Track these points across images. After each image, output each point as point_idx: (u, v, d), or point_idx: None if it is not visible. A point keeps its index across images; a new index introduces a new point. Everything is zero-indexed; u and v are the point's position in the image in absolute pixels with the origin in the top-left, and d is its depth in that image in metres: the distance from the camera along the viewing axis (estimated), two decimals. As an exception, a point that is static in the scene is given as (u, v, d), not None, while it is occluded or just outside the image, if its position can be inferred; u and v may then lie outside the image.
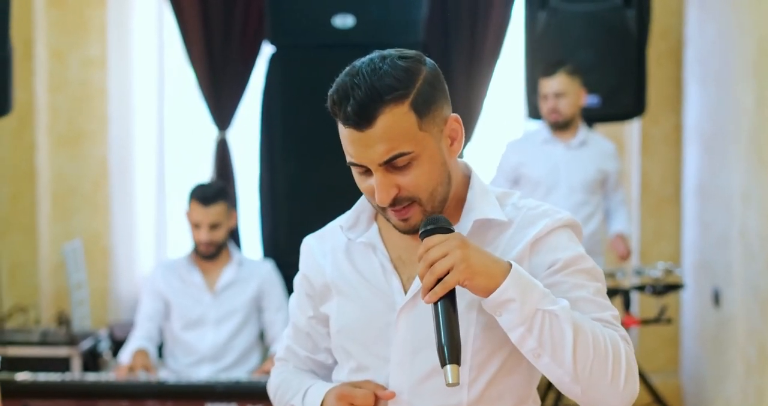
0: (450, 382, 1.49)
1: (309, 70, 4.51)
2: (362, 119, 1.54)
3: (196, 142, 5.70)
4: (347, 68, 1.60)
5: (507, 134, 5.47)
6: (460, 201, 1.69)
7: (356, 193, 1.73)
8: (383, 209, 1.63)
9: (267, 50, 5.03)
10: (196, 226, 3.77)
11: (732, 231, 4.15)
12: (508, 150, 4.57)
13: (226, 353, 3.79)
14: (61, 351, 4.57)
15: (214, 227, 3.76)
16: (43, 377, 3.37)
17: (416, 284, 1.64)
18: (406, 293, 1.67)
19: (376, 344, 1.69)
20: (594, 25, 4.62)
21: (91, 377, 3.45)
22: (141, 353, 3.60)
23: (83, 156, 5.47)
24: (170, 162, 5.74)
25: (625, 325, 4.13)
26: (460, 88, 5.27)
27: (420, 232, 1.58)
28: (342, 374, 1.76)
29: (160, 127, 5.70)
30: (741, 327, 4.04)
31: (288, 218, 4.81)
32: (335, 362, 1.82)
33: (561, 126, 4.40)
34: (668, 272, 4.10)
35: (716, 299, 4.43)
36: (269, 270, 3.92)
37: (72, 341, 4.61)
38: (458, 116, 1.65)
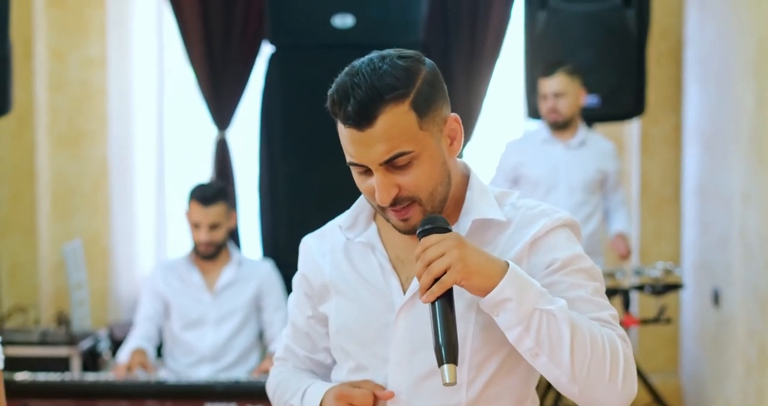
0: (447, 381, 1.49)
1: (309, 70, 4.51)
2: (362, 119, 1.54)
3: (196, 142, 5.70)
4: (347, 68, 1.60)
5: (506, 134, 5.47)
6: (459, 201, 1.69)
7: (356, 193, 1.73)
8: (383, 209, 1.63)
9: (267, 50, 5.03)
10: (195, 226, 3.78)
11: (732, 231, 4.15)
12: (508, 150, 4.57)
13: (225, 353, 3.79)
14: (60, 351, 4.57)
15: (213, 227, 3.76)
16: (42, 377, 3.37)
17: (415, 284, 1.64)
18: (404, 292, 1.67)
19: (374, 344, 1.69)
20: (594, 25, 4.62)
21: (91, 377, 3.44)
22: (139, 352, 3.61)
23: (83, 156, 5.47)
24: (170, 162, 5.75)
25: (625, 325, 4.13)
26: (459, 87, 5.27)
27: (417, 231, 1.58)
28: (341, 374, 1.76)
29: (159, 127, 5.70)
30: (741, 327, 4.04)
31: (287, 217, 4.81)
32: (334, 362, 1.82)
33: (560, 126, 4.40)
34: (668, 271, 4.09)
35: (716, 299, 4.43)
36: (269, 270, 3.92)
37: (72, 341, 4.61)
38: (458, 116, 1.66)
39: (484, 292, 1.52)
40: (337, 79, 1.59)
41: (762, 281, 3.74)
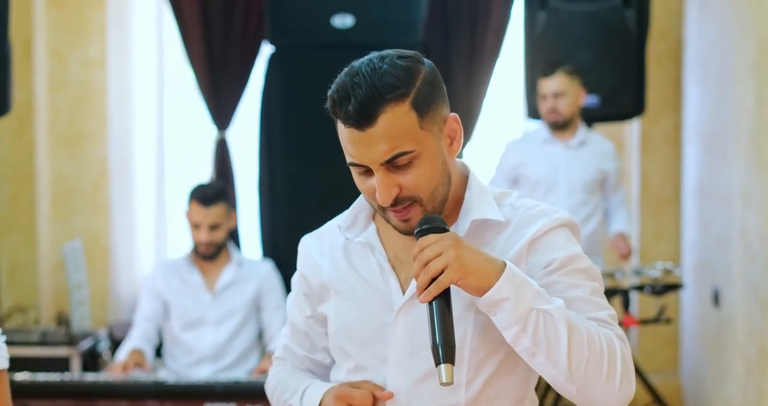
0: (444, 381, 1.49)
1: (308, 70, 4.51)
2: (363, 118, 1.54)
3: (196, 142, 5.70)
4: (346, 69, 1.60)
5: (506, 134, 5.47)
6: (458, 201, 1.69)
7: (355, 193, 1.73)
8: (383, 210, 1.63)
9: (266, 50, 5.03)
10: (195, 226, 3.77)
11: (732, 231, 4.15)
12: (508, 150, 4.57)
13: (225, 353, 3.79)
14: (60, 351, 4.57)
15: (214, 227, 3.76)
16: (42, 377, 3.37)
17: (414, 285, 1.63)
18: (404, 293, 1.67)
19: (374, 345, 1.69)
20: (593, 25, 4.62)
21: (91, 377, 3.44)
22: (136, 352, 3.61)
23: (83, 156, 5.47)
24: (170, 162, 5.75)
25: (625, 325, 4.13)
26: (459, 87, 5.27)
27: (415, 231, 1.58)
28: (340, 374, 1.76)
29: (159, 127, 5.70)
30: (741, 327, 4.04)
31: (287, 217, 4.81)
32: (333, 362, 1.82)
33: (560, 126, 4.40)
34: (667, 271, 4.09)
35: (716, 299, 4.43)
36: (268, 270, 3.92)
37: (71, 341, 4.61)
38: (457, 116, 1.66)
39: (481, 291, 1.53)
40: (337, 80, 1.59)
41: (762, 281, 3.74)
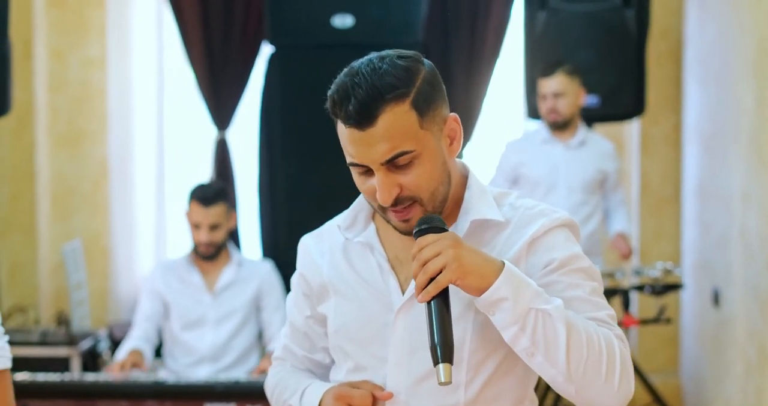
0: (442, 380, 1.49)
1: (308, 70, 4.51)
2: (364, 118, 1.54)
3: (196, 142, 5.70)
4: (346, 69, 1.60)
5: (506, 134, 5.47)
6: (458, 201, 1.69)
7: (355, 193, 1.73)
8: (384, 210, 1.63)
9: (266, 50, 5.03)
10: (196, 226, 3.77)
11: (732, 231, 4.15)
12: (508, 150, 4.57)
13: (225, 354, 3.79)
14: (60, 351, 4.56)
15: (214, 227, 3.76)
16: (42, 377, 3.37)
17: (413, 285, 1.63)
18: (403, 293, 1.67)
19: (373, 345, 1.69)
20: (593, 25, 4.62)
21: (90, 377, 3.44)
22: (135, 352, 3.61)
23: (83, 156, 5.47)
24: (170, 162, 5.75)
25: (624, 325, 4.13)
26: (459, 87, 5.27)
27: (414, 231, 1.58)
28: (340, 374, 1.76)
29: (159, 127, 5.70)
30: (741, 327, 4.04)
31: (287, 217, 4.81)
32: (332, 362, 1.82)
33: (560, 126, 4.40)
34: (667, 271, 4.09)
35: (716, 299, 4.42)
36: (268, 270, 3.91)
37: (71, 341, 4.61)
38: (457, 116, 1.66)
39: (479, 291, 1.53)
40: (337, 80, 1.59)
41: (762, 281, 3.74)
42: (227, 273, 3.84)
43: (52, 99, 5.42)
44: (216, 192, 3.80)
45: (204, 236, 3.75)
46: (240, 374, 3.74)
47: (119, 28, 5.48)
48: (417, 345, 1.64)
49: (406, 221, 1.62)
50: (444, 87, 1.65)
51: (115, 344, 4.79)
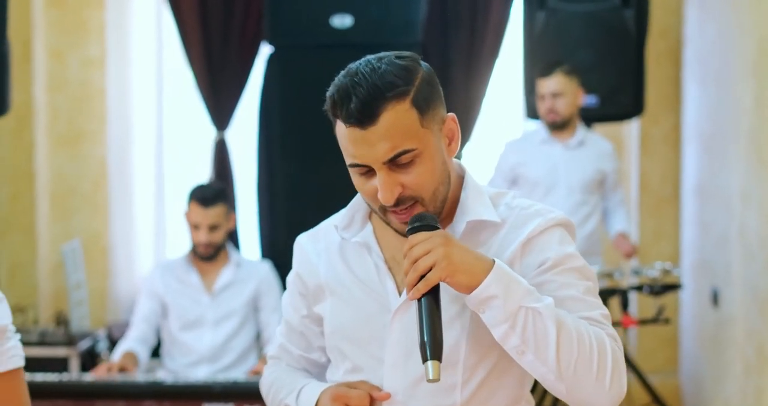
0: (430, 378, 1.49)
1: (307, 70, 4.51)
2: (365, 117, 1.54)
3: (195, 142, 5.70)
4: (343, 71, 1.60)
5: (505, 134, 5.47)
6: (455, 202, 1.69)
7: (354, 194, 1.73)
8: (384, 212, 1.63)
9: (265, 50, 5.03)
10: (195, 227, 3.77)
11: (731, 231, 4.15)
12: (507, 150, 4.57)
13: (224, 354, 3.79)
14: (59, 351, 4.57)
15: (213, 228, 3.76)
16: (40, 377, 3.37)
17: (410, 285, 1.64)
18: (400, 294, 1.67)
19: (370, 346, 1.69)
20: (592, 25, 4.62)
21: (89, 377, 3.44)
22: (128, 355, 3.60)
23: (82, 156, 5.47)
24: (169, 162, 5.74)
25: (623, 325, 4.13)
26: (458, 88, 5.27)
27: (407, 229, 1.58)
28: (337, 375, 1.76)
29: (159, 127, 5.70)
30: (740, 327, 4.04)
31: (286, 218, 4.81)
32: (328, 361, 1.82)
33: (559, 126, 4.40)
34: (666, 272, 4.09)
35: (715, 299, 4.42)
36: (267, 271, 3.91)
37: (70, 341, 4.61)
38: (455, 116, 1.66)
39: (469, 289, 1.53)
40: (335, 81, 1.59)
41: (761, 281, 3.74)
42: (225, 274, 3.83)
43: (51, 99, 5.42)
44: (215, 193, 3.80)
45: (203, 236, 3.74)
46: (238, 374, 3.73)
47: (118, 29, 5.48)
48: (414, 346, 1.63)
49: (407, 222, 1.62)
50: (441, 88, 1.65)
51: (114, 344, 4.79)
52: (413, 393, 1.66)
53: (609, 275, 4.05)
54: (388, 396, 1.67)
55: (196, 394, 3.27)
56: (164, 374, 3.73)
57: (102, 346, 4.80)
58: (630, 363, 4.27)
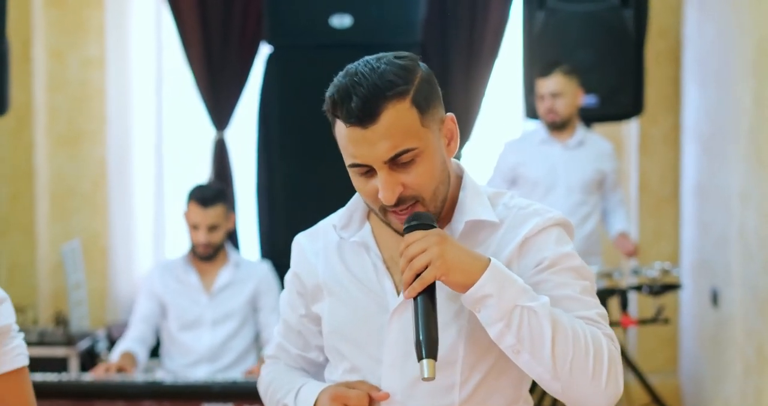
0: (425, 376, 1.49)
1: (307, 70, 4.50)
2: (366, 116, 1.54)
3: (195, 142, 5.70)
4: (342, 72, 1.60)
5: (505, 134, 5.46)
6: (453, 201, 1.69)
7: (354, 194, 1.73)
8: (385, 212, 1.63)
9: (265, 50, 5.03)
10: (194, 227, 3.76)
11: (731, 231, 4.15)
12: (506, 150, 4.57)
13: (223, 354, 3.78)
14: (58, 351, 4.57)
15: (212, 228, 3.75)
16: (39, 377, 3.36)
17: (409, 286, 1.63)
18: (398, 294, 1.67)
19: (369, 346, 1.69)
20: (592, 25, 4.62)
21: (88, 377, 3.44)
22: (126, 355, 3.60)
23: (82, 156, 5.47)
24: (169, 162, 5.74)
25: (623, 325, 4.13)
26: (458, 88, 5.27)
27: (404, 228, 1.59)
28: (335, 375, 1.75)
29: (158, 127, 5.70)
30: (739, 327, 4.04)
31: (286, 218, 4.81)
32: (326, 360, 1.82)
33: (558, 126, 4.40)
34: (665, 272, 4.09)
35: (715, 299, 4.42)
36: (266, 271, 3.91)
37: (69, 341, 4.61)
38: (453, 116, 1.66)
39: (464, 288, 1.53)
40: (335, 82, 1.59)
41: (760, 281, 3.74)
42: (224, 274, 3.83)
43: (51, 99, 5.42)
44: (215, 193, 3.79)
45: (202, 236, 3.74)
46: (238, 374, 3.73)
47: (118, 29, 5.48)
48: (412, 347, 1.63)
49: None
50: (439, 88, 1.65)
51: (113, 344, 4.79)
52: (412, 393, 1.65)
53: (608, 275, 4.05)
54: (386, 396, 1.67)
55: (196, 394, 3.26)
56: (163, 374, 3.72)
57: (101, 346, 4.80)
58: (630, 363, 4.27)
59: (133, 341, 3.71)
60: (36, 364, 4.27)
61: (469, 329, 1.63)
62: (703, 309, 4.69)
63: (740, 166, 4.00)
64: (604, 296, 4.02)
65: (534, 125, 4.76)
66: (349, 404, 1.67)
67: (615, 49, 4.63)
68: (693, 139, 4.91)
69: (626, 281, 4.11)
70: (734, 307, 4.11)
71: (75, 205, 5.47)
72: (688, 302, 5.02)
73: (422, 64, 1.64)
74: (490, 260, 1.54)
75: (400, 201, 1.59)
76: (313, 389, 1.74)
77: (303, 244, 1.82)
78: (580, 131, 4.47)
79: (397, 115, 1.55)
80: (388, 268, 1.70)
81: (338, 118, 1.58)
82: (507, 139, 4.76)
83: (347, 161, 1.60)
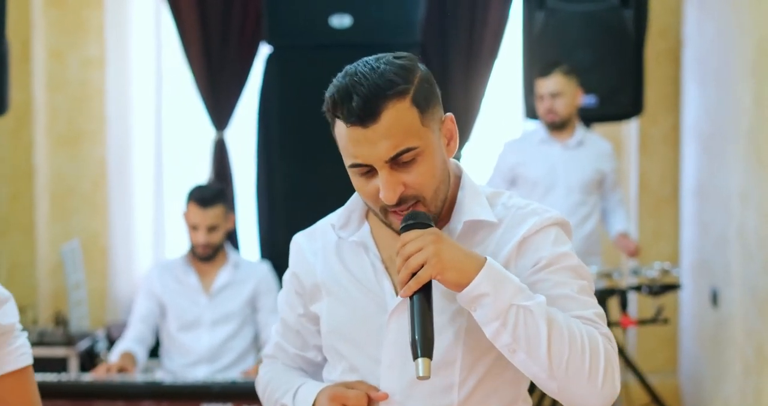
0: (420, 375, 1.49)
1: (306, 70, 4.51)
2: (367, 115, 1.54)
3: (194, 142, 5.70)
4: (341, 73, 1.60)
5: (505, 134, 5.46)
6: (452, 201, 1.69)
7: (353, 194, 1.72)
8: (385, 213, 1.63)
9: (264, 50, 5.03)
10: (193, 228, 3.76)
11: (730, 231, 4.15)
12: (506, 150, 4.57)
13: (222, 355, 3.78)
14: (58, 351, 4.56)
15: (211, 229, 3.75)
16: (39, 377, 3.35)
17: (407, 286, 1.63)
18: (397, 294, 1.67)
19: (367, 346, 1.69)
20: (592, 25, 4.62)
21: (88, 377, 3.43)
22: (126, 355, 3.60)
23: (82, 156, 5.47)
24: (168, 162, 5.74)
25: (622, 325, 4.13)
26: (457, 88, 5.27)
27: (400, 227, 1.59)
28: (334, 375, 1.75)
29: (158, 127, 5.69)
30: (739, 327, 4.04)
31: (285, 218, 4.80)
32: (324, 360, 1.82)
33: (558, 126, 4.40)
34: (665, 272, 4.09)
35: (714, 299, 4.42)
36: (266, 271, 3.90)
37: (69, 341, 4.60)
38: (453, 116, 1.66)
39: (459, 287, 1.53)
40: (334, 82, 1.59)
41: (760, 281, 3.74)
42: (223, 275, 3.83)
43: (50, 99, 5.42)
44: (214, 193, 3.79)
45: (201, 237, 3.74)
46: (237, 374, 3.73)
47: (118, 28, 5.48)
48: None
49: None
50: (438, 88, 1.65)
51: (112, 344, 4.79)
52: (410, 393, 1.65)
53: (608, 275, 4.05)
54: (385, 396, 1.66)
55: (195, 394, 3.26)
56: (163, 375, 3.72)
57: (101, 346, 4.80)
58: (629, 363, 4.27)
59: (132, 341, 3.71)
60: (35, 364, 4.26)
61: (467, 330, 1.63)
62: (702, 309, 4.69)
63: (740, 166, 4.00)
64: (603, 296, 4.02)
65: (534, 125, 4.76)
66: (347, 404, 1.67)
67: (615, 49, 4.63)
68: (693, 139, 4.91)
69: (626, 281, 4.11)
70: (734, 307, 4.11)
71: (75, 205, 5.47)
72: (688, 302, 5.02)
73: (421, 65, 1.64)
74: (486, 259, 1.54)
75: (401, 201, 1.59)
76: (311, 388, 1.74)
77: (301, 243, 1.82)
78: (580, 131, 4.47)
79: (398, 114, 1.55)
80: (386, 268, 1.70)
81: (338, 118, 1.58)
82: (507, 139, 4.76)
83: (347, 162, 1.60)
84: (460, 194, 1.69)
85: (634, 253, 4.45)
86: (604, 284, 4.03)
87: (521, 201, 1.70)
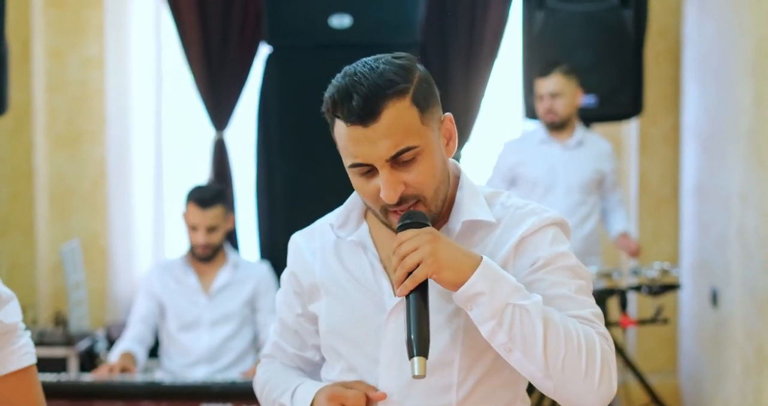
0: (416, 374, 1.49)
1: (306, 70, 4.51)
2: (367, 114, 1.54)
3: (194, 142, 5.70)
4: (340, 73, 1.61)
5: (504, 134, 5.46)
6: (451, 201, 1.69)
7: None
8: (386, 213, 1.63)
9: (264, 51, 5.03)
10: (193, 228, 3.76)
11: (730, 231, 4.15)
12: (505, 150, 4.57)
13: (222, 355, 3.78)
14: (57, 351, 4.56)
15: (211, 229, 3.75)
16: (38, 377, 3.35)
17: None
18: (396, 293, 1.67)
19: (366, 345, 1.69)
20: (591, 25, 4.62)
21: (88, 377, 3.44)
22: (126, 355, 3.60)
23: (81, 156, 5.47)
24: (168, 162, 5.74)
25: (622, 325, 4.13)
26: (457, 88, 5.27)
27: (397, 226, 1.59)
28: (332, 374, 1.75)
29: (157, 127, 5.69)
30: (739, 327, 4.03)
31: (285, 218, 4.80)
32: (322, 360, 1.82)
33: (557, 126, 4.40)
34: (665, 272, 4.09)
35: (714, 299, 4.42)
36: (265, 271, 3.90)
37: (69, 341, 4.60)
38: (452, 116, 1.67)
39: (455, 286, 1.53)
40: (334, 82, 1.60)
41: (760, 281, 3.74)
42: (223, 275, 3.83)
43: (50, 99, 5.42)
44: (214, 194, 3.79)
45: (201, 237, 3.74)
46: (237, 375, 3.73)
47: (117, 29, 5.48)
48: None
49: None
50: (437, 88, 1.66)
51: (112, 344, 4.79)
52: (409, 393, 1.65)
53: (608, 275, 4.05)
54: (384, 396, 1.67)
55: (194, 394, 3.26)
56: (162, 375, 3.72)
57: (101, 346, 4.80)
58: (629, 363, 4.27)
59: (131, 341, 3.71)
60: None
61: (465, 330, 1.63)
62: (702, 309, 4.69)
63: (740, 166, 4.00)
64: (603, 296, 4.02)
65: (533, 125, 4.76)
66: (346, 404, 1.67)
67: (614, 49, 4.64)
68: (693, 139, 4.91)
69: (626, 281, 4.11)
70: (734, 307, 4.11)
71: (74, 205, 5.47)
72: (688, 302, 5.02)
73: (419, 65, 1.64)
74: (482, 258, 1.54)
75: (401, 200, 1.59)
76: (309, 388, 1.74)
77: (300, 243, 1.82)
78: (580, 131, 4.47)
79: (398, 113, 1.55)
80: (385, 268, 1.70)
81: (338, 117, 1.58)
82: (506, 139, 4.76)
83: (347, 162, 1.60)
84: (458, 194, 1.69)
85: (635, 253, 4.45)
86: (603, 284, 4.02)
87: (520, 201, 1.70)
